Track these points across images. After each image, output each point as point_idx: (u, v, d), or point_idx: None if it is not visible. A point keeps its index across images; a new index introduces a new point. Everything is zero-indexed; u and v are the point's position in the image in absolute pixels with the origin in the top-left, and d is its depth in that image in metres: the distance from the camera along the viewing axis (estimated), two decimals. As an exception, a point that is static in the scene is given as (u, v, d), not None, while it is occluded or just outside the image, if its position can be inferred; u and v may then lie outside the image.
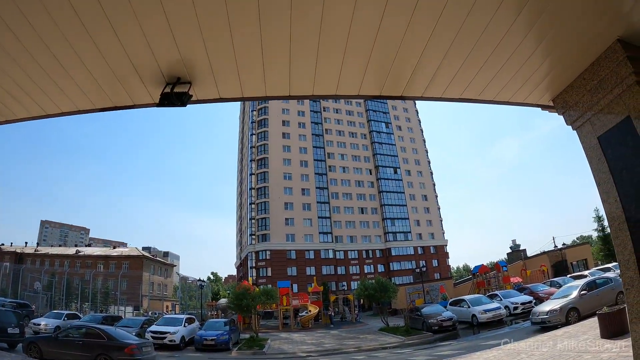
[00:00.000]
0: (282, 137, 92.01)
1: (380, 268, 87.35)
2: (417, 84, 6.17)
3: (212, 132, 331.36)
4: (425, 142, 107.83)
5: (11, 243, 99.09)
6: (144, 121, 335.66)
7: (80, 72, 5.48)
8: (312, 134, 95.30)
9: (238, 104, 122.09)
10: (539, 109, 6.90)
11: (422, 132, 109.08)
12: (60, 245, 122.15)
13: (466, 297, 31.10)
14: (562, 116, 6.47)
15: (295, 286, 61.98)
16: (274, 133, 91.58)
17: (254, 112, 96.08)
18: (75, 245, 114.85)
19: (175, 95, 5.59)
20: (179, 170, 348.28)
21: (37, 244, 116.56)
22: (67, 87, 5.81)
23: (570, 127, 6.29)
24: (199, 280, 53.76)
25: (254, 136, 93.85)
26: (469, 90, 6.26)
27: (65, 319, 29.94)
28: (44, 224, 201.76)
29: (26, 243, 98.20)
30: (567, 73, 5.92)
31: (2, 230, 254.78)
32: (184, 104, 5.63)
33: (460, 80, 6.04)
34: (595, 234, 58.70)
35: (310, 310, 43.41)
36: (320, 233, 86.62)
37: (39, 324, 28.33)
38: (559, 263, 48.10)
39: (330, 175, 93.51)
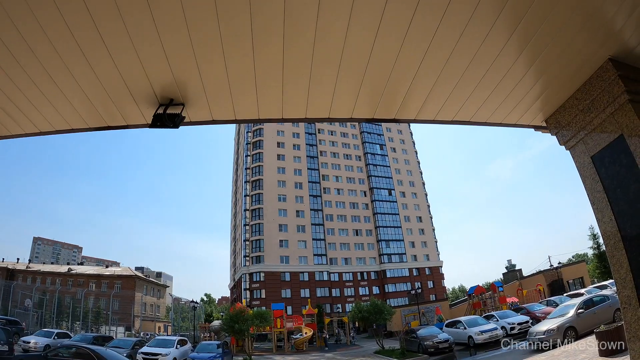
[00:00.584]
0: (276, 158, 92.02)
1: (375, 290, 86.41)
2: (410, 107, 6.21)
3: (207, 153, 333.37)
4: (419, 163, 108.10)
5: (2, 259, 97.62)
6: (139, 141, 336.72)
7: (75, 93, 5.51)
8: (307, 156, 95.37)
9: (233, 125, 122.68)
10: (532, 129, 6.95)
11: (417, 153, 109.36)
12: (52, 263, 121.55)
13: (462, 318, 30.77)
14: (555, 136, 6.51)
15: (289, 308, 61.78)
16: (268, 155, 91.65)
17: (249, 134, 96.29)
18: (68, 263, 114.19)
19: (167, 116, 5.59)
20: (174, 191, 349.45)
21: (29, 260, 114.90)
22: (61, 107, 5.83)
23: (563, 147, 6.33)
24: (192, 301, 53.26)
25: (248, 157, 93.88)
26: (462, 112, 6.29)
27: (56, 337, 29.48)
28: (37, 241, 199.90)
29: (18, 259, 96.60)
30: (560, 93, 5.97)
31: None
32: (176, 126, 5.63)
33: (454, 102, 6.08)
34: (591, 252, 58.81)
35: (304, 333, 42.93)
36: (314, 255, 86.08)
37: (29, 342, 27.90)
38: (555, 282, 48.00)
39: (324, 197, 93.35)
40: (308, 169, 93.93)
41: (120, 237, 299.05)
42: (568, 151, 6.25)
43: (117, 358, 16.95)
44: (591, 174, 5.92)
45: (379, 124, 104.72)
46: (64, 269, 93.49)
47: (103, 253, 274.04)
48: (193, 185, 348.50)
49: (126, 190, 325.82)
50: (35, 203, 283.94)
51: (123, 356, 19.46)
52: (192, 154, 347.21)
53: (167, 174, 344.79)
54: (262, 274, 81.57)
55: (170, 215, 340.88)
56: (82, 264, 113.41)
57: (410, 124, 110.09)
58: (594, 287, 33.95)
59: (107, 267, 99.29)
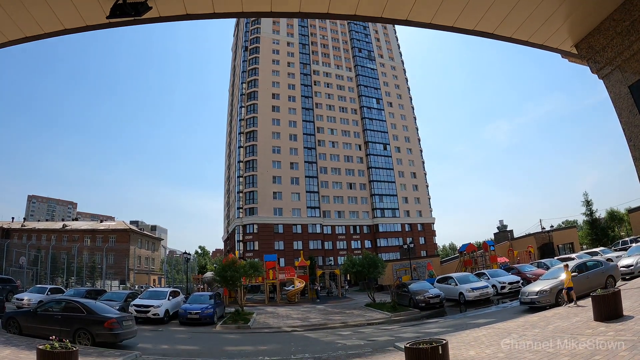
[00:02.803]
0: (271, 110, 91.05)
1: (368, 244, 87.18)
2: (425, 7, 5.25)
3: (201, 105, 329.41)
4: (416, 119, 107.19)
5: None
6: (131, 90, 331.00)
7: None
8: (302, 108, 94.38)
9: (228, 74, 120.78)
10: (560, 55, 6.07)
11: (414, 109, 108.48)
12: (47, 220, 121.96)
13: (454, 275, 31.14)
14: (585, 65, 5.63)
15: (282, 260, 62.12)
16: (263, 106, 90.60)
17: (244, 85, 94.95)
18: (63, 220, 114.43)
19: (129, 5, 4.92)
20: (167, 144, 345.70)
21: (24, 219, 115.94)
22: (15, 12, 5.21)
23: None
24: (185, 253, 53.23)
25: (243, 109, 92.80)
26: (485, 21, 5.26)
27: (49, 293, 29.35)
28: (31, 199, 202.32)
29: (13, 218, 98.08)
30: (595, 13, 5.04)
31: None
32: (139, 14, 4.96)
33: (476, 7, 5.05)
34: (582, 219, 59.00)
35: (296, 285, 43.09)
36: (308, 207, 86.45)
37: (22, 299, 27.89)
38: (546, 245, 48.27)
39: (319, 149, 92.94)
40: (303, 120, 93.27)
41: (115, 192, 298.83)
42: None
43: (106, 310, 16.67)
44: (628, 105, 5.02)
45: (376, 76, 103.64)
46: (58, 225, 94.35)
47: (99, 208, 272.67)
48: (188, 139, 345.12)
49: (118, 143, 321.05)
50: (27, 160, 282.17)
51: (114, 309, 19.21)
52: (185, 106, 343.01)
53: (160, 128, 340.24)
54: (255, 226, 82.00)
55: (165, 169, 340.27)
56: (77, 219, 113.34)
57: (408, 80, 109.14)
58: (585, 252, 34.00)
59: (101, 221, 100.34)
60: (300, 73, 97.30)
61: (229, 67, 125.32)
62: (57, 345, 8.63)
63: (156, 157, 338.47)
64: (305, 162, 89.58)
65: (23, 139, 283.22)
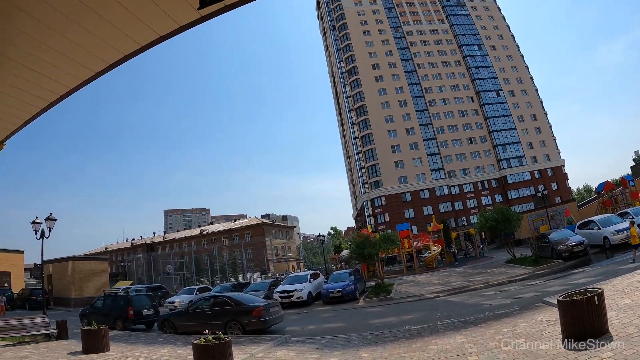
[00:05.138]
0: (375, 80, 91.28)
1: (498, 198, 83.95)
2: None
3: (307, 93, 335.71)
4: (523, 57, 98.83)
5: (141, 236, 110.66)
6: (237, 94, 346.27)
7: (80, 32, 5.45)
8: (405, 72, 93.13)
9: (323, 57, 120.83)
10: None
11: (519, 47, 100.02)
12: (185, 229, 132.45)
13: (595, 218, 28.84)
14: None
15: (414, 228, 62.02)
16: (366, 79, 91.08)
17: (342, 63, 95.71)
18: (199, 226, 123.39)
19: None
20: (284, 138, 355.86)
21: (164, 232, 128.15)
22: (107, 34, 5.73)
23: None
24: (319, 235, 55.03)
25: (347, 86, 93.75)
26: None
27: (197, 292, 31.46)
28: (167, 213, 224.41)
29: (154, 233, 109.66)
30: None
31: (134, 227, 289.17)
32: None
33: None
34: None
35: (432, 250, 42.42)
36: (432, 170, 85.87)
37: (174, 302, 30.16)
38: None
39: (431, 109, 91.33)
40: (409, 84, 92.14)
41: (243, 192, 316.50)
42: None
43: (253, 300, 17.86)
44: None
45: (471, 22, 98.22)
46: (196, 231, 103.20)
47: (230, 209, 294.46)
48: (301, 128, 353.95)
49: (238, 146, 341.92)
50: (158, 179, 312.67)
51: (260, 298, 20.91)
52: (294, 99, 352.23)
53: (276, 124, 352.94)
54: (382, 198, 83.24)
55: (286, 161, 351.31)
56: (212, 223, 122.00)
57: (505, 17, 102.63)
58: None
59: (235, 221, 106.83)
60: (394, 37, 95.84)
61: (323, 50, 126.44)
62: (210, 338, 9.15)
63: (277, 151, 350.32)
64: (420, 125, 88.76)
65: (152, 161, 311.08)
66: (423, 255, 43.76)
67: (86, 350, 13.23)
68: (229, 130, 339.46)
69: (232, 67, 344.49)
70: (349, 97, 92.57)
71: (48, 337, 16.33)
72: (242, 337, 14.64)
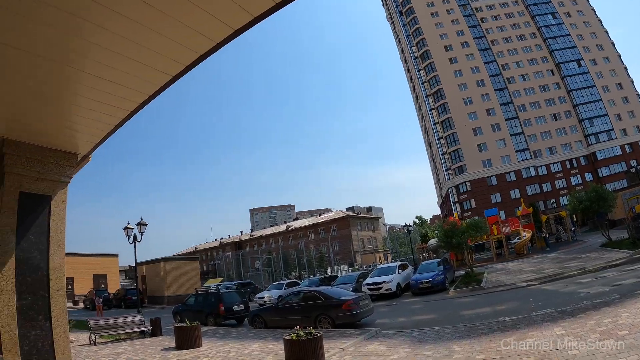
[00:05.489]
0: (449, 62, 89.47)
1: (588, 177, 79.42)
2: None
3: (377, 84, 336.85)
4: (601, 22, 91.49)
5: (229, 235, 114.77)
6: (306, 94, 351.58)
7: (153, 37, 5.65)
8: (479, 50, 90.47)
9: (394, 45, 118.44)
10: None
11: (595, 11, 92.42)
12: (271, 226, 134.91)
13: None
14: None
15: (502, 213, 60.13)
16: (439, 62, 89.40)
17: (413, 48, 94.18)
18: (285, 222, 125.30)
19: None
20: (364, 131, 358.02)
21: (251, 229, 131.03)
22: (180, 35, 5.78)
23: None
24: (406, 225, 54.28)
25: (421, 72, 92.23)
26: None
27: (286, 287, 32.09)
28: (253, 212, 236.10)
29: (241, 232, 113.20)
30: None
31: (222, 227, 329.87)
32: None
33: None
34: None
35: (522, 235, 40.64)
36: (516, 151, 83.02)
37: (263, 297, 31.05)
38: None
39: (510, 87, 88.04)
40: (484, 63, 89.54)
41: (327, 187, 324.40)
42: None
43: (342, 293, 17.82)
44: None
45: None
46: (282, 228, 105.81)
47: (315, 204, 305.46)
48: (377, 118, 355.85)
49: (326, 141, 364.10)
50: (246, 179, 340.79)
51: (349, 291, 20.94)
52: (373, 90, 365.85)
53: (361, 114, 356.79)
54: (467, 184, 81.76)
55: (367, 153, 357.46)
56: (297, 219, 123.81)
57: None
58: None
59: (320, 215, 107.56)
60: (463, 16, 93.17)
61: (392, 38, 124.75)
62: (302, 334, 9.36)
63: (359, 143, 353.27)
64: (500, 105, 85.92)
65: (240, 162, 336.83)
66: (513, 242, 41.90)
67: (179, 346, 14.09)
68: (311, 128, 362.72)
69: (310, 64, 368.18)
70: (425, 82, 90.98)
71: (143, 334, 18.04)
72: (332, 331, 14.74)
